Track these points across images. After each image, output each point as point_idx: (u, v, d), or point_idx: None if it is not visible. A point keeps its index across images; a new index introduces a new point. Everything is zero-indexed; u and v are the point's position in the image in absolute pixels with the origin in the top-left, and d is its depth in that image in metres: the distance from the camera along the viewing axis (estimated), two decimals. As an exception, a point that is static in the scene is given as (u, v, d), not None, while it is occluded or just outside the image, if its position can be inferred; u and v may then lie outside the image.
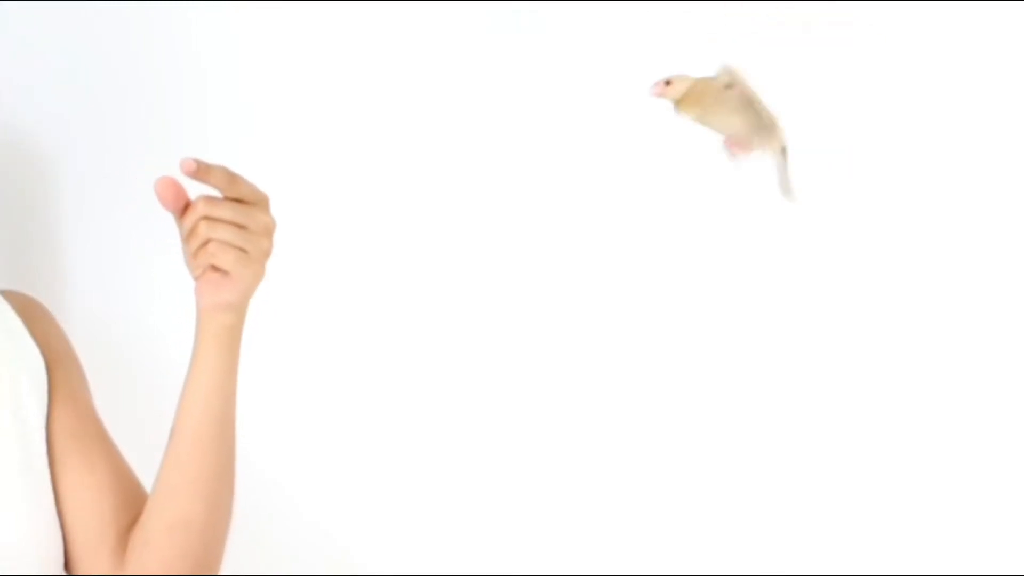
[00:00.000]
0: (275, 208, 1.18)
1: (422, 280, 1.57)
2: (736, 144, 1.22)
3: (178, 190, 1.17)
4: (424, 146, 1.56)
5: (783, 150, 1.24)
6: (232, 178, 1.17)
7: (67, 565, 1.27)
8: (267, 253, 1.20)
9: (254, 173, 1.54)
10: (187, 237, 1.18)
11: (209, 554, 1.27)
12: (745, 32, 1.54)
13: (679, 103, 1.25)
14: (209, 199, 1.17)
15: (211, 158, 1.53)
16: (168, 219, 1.19)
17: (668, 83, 1.24)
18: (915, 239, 1.55)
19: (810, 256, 1.55)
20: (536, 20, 1.55)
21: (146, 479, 1.30)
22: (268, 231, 1.20)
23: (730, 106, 1.23)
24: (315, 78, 1.56)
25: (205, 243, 1.17)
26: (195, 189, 1.18)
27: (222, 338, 1.22)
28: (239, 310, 1.22)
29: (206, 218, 1.17)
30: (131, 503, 1.28)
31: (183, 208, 1.18)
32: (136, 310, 1.58)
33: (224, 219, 1.17)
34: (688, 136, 1.55)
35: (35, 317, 1.33)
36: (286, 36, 1.56)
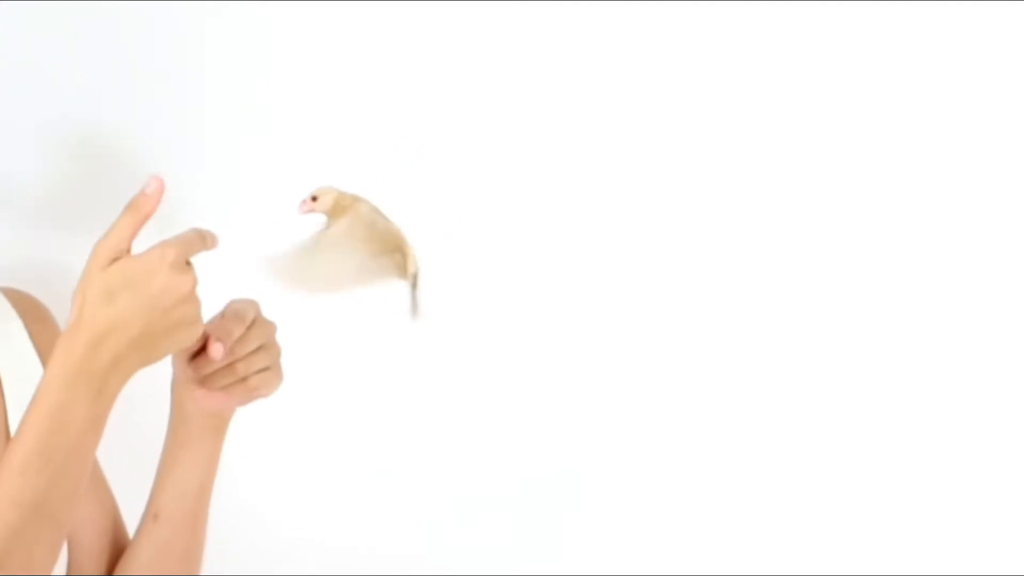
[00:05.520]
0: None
1: (421, 279, 1.57)
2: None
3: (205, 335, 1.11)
4: (423, 146, 1.56)
5: (414, 276, 1.17)
6: (240, 316, 1.13)
7: None
8: (280, 354, 1.17)
9: (253, 174, 1.56)
10: (218, 375, 1.13)
11: None
12: (745, 32, 1.54)
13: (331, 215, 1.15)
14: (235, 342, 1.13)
15: (205, 159, 1.54)
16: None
17: (314, 198, 1.15)
18: (914, 239, 1.54)
19: (810, 256, 1.55)
20: (536, 20, 1.55)
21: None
22: (273, 334, 1.16)
23: (365, 232, 1.14)
24: (314, 78, 1.56)
25: (243, 379, 1.14)
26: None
27: (220, 429, 1.19)
28: None
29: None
30: (112, 541, 1.24)
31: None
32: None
33: (252, 351, 1.13)
34: (688, 137, 1.56)
35: (39, 319, 1.23)
36: (284, 36, 1.56)
